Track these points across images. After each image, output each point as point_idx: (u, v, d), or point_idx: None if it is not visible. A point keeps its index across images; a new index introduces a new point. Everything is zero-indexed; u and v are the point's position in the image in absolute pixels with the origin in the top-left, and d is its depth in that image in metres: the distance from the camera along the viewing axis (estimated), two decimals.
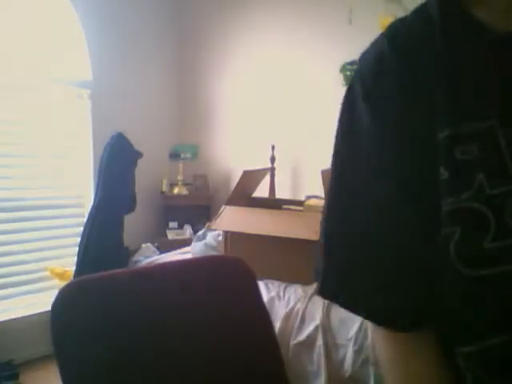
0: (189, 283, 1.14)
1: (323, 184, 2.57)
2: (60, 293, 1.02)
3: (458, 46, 0.53)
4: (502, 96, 0.51)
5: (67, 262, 3.37)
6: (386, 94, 0.56)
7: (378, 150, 0.55)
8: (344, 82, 3.36)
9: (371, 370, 2.02)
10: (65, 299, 1.02)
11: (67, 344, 0.98)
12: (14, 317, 3.14)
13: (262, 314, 1.18)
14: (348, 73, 3.37)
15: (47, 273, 3.30)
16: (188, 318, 1.09)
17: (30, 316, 3.16)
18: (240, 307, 1.17)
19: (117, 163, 3.00)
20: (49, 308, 0.97)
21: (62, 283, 2.87)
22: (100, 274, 1.11)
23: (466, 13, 0.54)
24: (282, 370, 1.15)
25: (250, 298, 1.19)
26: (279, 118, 3.71)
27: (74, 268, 3.09)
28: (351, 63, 3.36)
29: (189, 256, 3.00)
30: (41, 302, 3.20)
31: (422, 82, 0.54)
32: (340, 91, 2.91)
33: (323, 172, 2.55)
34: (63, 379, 0.95)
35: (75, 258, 3.09)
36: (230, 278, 1.19)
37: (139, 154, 3.07)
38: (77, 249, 3.09)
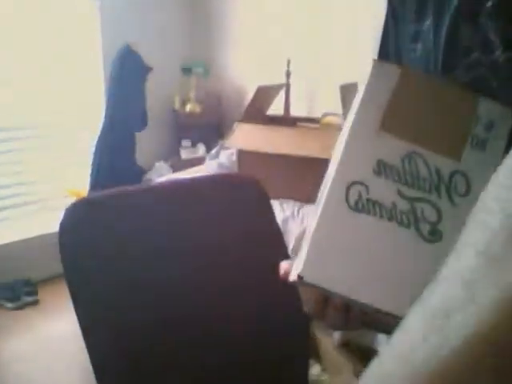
0: (201, 200, 1.09)
1: (342, 100, 2.46)
2: (67, 210, 0.98)
3: None
4: None
5: (82, 182, 3.36)
6: None
7: None
8: None
9: None
10: (73, 216, 0.98)
11: (76, 262, 0.95)
12: (29, 236, 3.18)
13: (275, 234, 1.14)
14: None
15: (63, 192, 3.30)
16: (200, 235, 1.05)
17: (46, 235, 3.19)
18: (252, 227, 1.12)
19: (126, 78, 2.90)
20: None
21: None
22: (109, 190, 1.06)
23: None
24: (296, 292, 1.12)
25: (262, 218, 1.14)
26: (295, 30, 3.53)
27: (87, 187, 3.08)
28: None
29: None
30: (57, 220, 3.22)
31: None
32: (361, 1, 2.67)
33: (342, 87, 2.43)
34: (73, 298, 0.92)
35: (89, 178, 3.07)
36: (243, 196, 1.14)
37: (149, 68, 2.95)
38: (90, 168, 3.07)
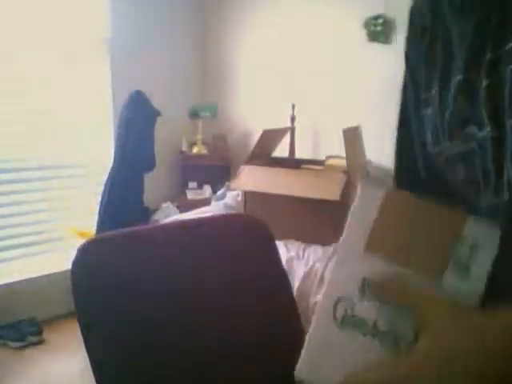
0: (208, 240, 1.12)
1: (344, 143, 2.51)
2: (79, 249, 1.01)
3: None
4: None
5: (88, 222, 3.40)
6: None
7: None
8: (368, 38, 3.26)
9: None
10: (84, 255, 1.01)
11: (87, 300, 0.98)
12: (36, 275, 3.20)
13: (280, 275, 1.16)
14: (372, 28, 3.25)
15: (70, 232, 3.34)
16: (207, 275, 1.08)
17: (52, 274, 3.21)
18: (257, 267, 1.15)
19: (136, 121, 2.98)
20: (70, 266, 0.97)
21: None
22: (120, 230, 1.10)
23: None
24: (300, 329, 1.14)
25: (268, 259, 1.17)
26: (300, 76, 3.63)
27: (94, 227, 3.11)
28: (375, 18, 3.25)
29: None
30: (64, 260, 3.25)
31: None
32: (364, 47, 2.84)
33: (345, 131, 2.49)
34: (84, 335, 0.95)
35: (96, 218, 3.10)
36: (249, 237, 1.17)
37: (158, 113, 3.04)
38: (97, 208, 3.11)
